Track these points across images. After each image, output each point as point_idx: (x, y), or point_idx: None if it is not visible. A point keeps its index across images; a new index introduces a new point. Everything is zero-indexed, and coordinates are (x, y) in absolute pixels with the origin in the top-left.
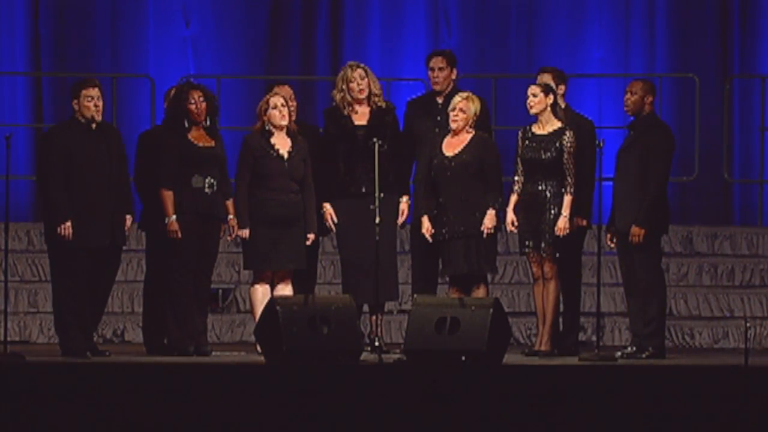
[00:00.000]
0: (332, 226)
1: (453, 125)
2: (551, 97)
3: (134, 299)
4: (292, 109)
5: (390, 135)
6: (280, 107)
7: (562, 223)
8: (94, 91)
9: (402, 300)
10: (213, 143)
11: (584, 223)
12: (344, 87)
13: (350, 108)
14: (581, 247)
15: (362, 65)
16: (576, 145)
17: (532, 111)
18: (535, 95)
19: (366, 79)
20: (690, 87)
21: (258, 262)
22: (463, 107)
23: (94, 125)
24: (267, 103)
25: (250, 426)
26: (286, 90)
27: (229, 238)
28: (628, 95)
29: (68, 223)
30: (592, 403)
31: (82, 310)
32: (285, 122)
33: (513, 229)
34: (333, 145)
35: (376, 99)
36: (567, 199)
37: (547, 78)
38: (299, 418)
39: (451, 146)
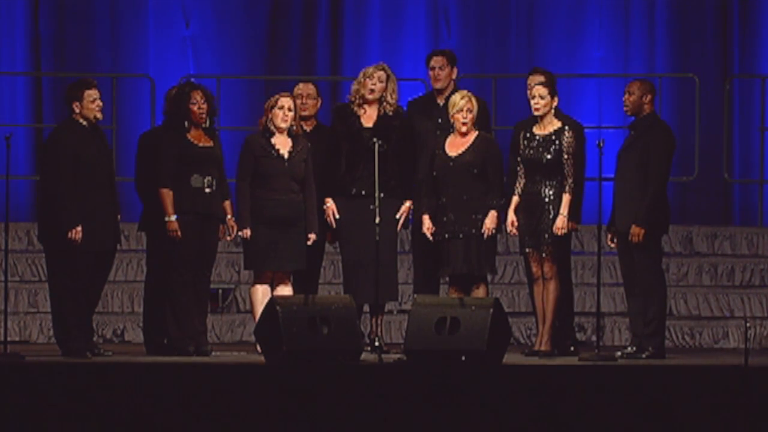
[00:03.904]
0: (333, 222)
1: (463, 127)
2: (556, 99)
3: (134, 299)
4: (311, 105)
5: (395, 139)
6: (286, 110)
7: (561, 223)
8: (96, 92)
9: (402, 300)
10: (212, 143)
11: (573, 226)
12: (362, 80)
13: (360, 105)
14: (569, 248)
15: (389, 71)
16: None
17: (539, 112)
18: (542, 97)
19: (384, 84)
20: (690, 87)
21: (258, 262)
22: (470, 107)
23: (89, 126)
24: (276, 101)
25: (250, 426)
26: (310, 88)
27: (228, 239)
28: (627, 95)
29: (79, 228)
30: (592, 403)
31: (82, 311)
32: (285, 125)
33: (513, 230)
34: (338, 143)
35: (387, 106)
36: (566, 199)
37: (540, 78)
38: (299, 418)
39: (455, 146)
